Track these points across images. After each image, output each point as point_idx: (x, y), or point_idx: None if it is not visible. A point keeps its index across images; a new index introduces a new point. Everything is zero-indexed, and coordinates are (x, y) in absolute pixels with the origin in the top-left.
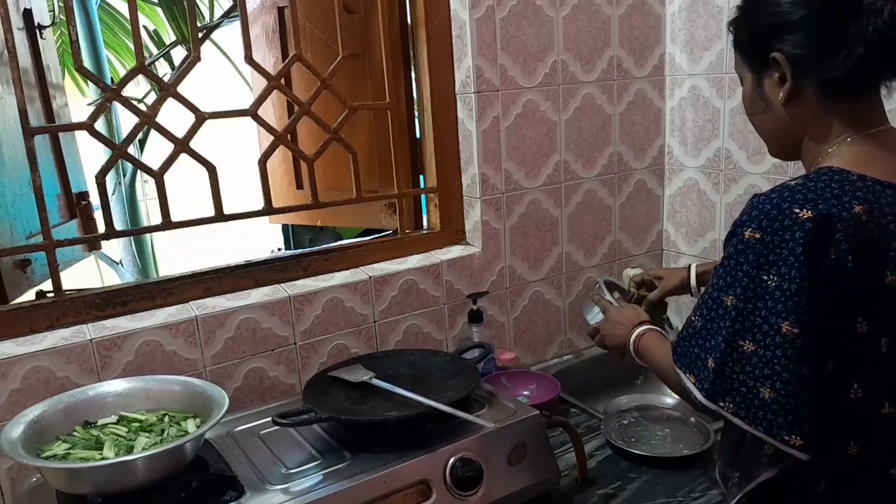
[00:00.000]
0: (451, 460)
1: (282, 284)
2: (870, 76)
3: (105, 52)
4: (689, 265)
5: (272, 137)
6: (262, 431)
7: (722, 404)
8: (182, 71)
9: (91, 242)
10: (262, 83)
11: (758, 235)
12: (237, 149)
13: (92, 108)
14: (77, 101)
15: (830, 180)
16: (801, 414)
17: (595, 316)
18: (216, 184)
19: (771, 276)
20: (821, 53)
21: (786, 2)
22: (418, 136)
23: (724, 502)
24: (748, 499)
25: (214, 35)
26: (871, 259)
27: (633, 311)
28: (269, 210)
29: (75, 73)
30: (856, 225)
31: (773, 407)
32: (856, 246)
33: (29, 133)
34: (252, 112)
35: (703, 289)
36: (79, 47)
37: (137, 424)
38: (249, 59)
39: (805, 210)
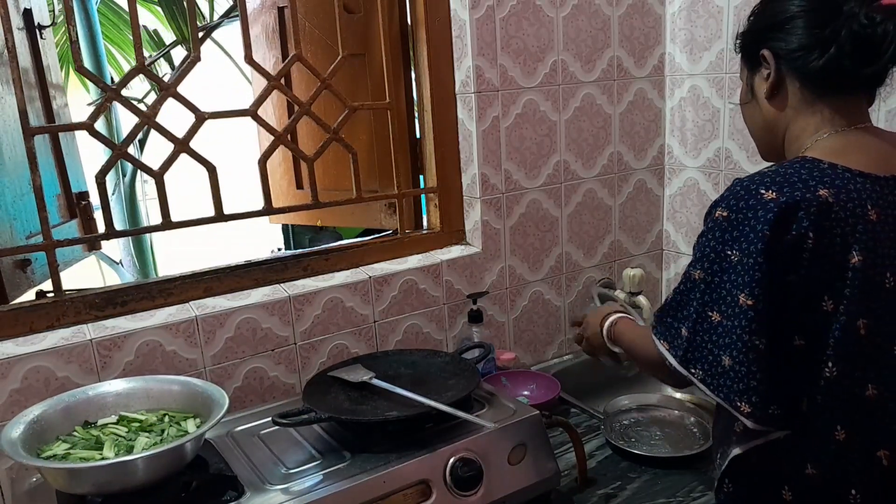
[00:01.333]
0: (451, 460)
1: (282, 284)
2: (846, 76)
3: (106, 50)
4: None
5: (272, 137)
6: (262, 431)
7: (693, 371)
8: (182, 71)
9: (91, 242)
10: (262, 83)
11: (725, 214)
12: (237, 149)
13: (92, 108)
14: (81, 97)
15: (801, 167)
16: (750, 382)
17: None
18: (216, 184)
19: (734, 251)
20: (800, 49)
21: (779, 7)
22: (418, 136)
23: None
24: (733, 481)
25: (215, 34)
26: (835, 239)
27: (607, 307)
28: (269, 210)
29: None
30: (819, 206)
31: (730, 374)
32: (819, 226)
33: (29, 133)
34: (252, 112)
35: None
36: (79, 47)
37: (137, 424)
38: (249, 59)
39: (770, 192)
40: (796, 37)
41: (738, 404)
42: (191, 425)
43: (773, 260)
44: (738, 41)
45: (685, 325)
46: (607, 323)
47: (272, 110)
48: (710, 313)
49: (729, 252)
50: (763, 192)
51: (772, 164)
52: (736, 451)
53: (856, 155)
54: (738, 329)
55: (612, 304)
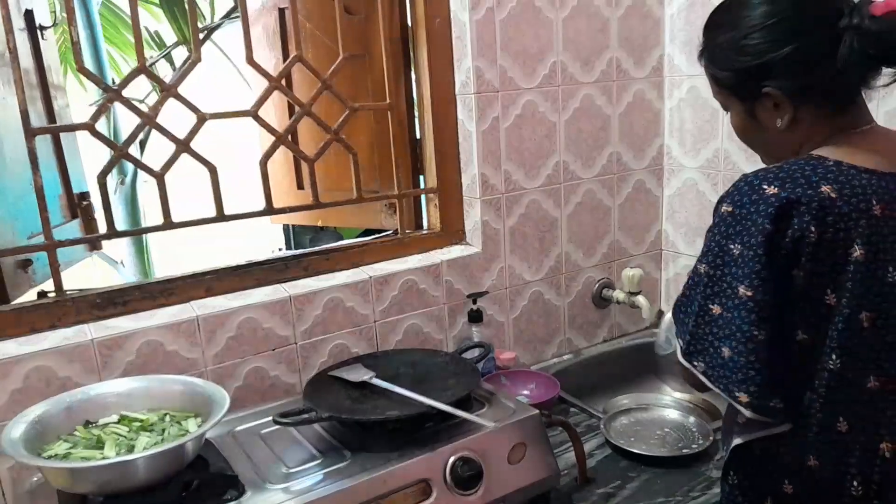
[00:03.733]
0: (451, 460)
1: (283, 284)
2: (857, 88)
3: (107, 51)
4: None
5: (273, 138)
6: (263, 431)
7: (695, 363)
8: (183, 72)
9: (92, 242)
10: (262, 84)
11: (730, 209)
12: (238, 149)
13: (93, 109)
14: (81, 97)
15: (806, 164)
16: (749, 372)
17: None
18: (217, 184)
19: (736, 245)
20: (816, 83)
21: (764, 42)
22: (418, 136)
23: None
24: (737, 472)
25: (215, 35)
26: (838, 234)
27: None
28: (269, 210)
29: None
30: (821, 202)
31: (729, 364)
32: (821, 221)
33: (30, 133)
34: (253, 113)
35: None
36: (80, 48)
37: (138, 424)
38: (250, 59)
39: (773, 187)
40: (803, 71)
41: (737, 394)
42: (192, 425)
43: (773, 254)
44: (711, 70)
45: (692, 319)
46: None
47: (273, 111)
48: (712, 306)
49: (731, 246)
50: (766, 187)
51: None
52: (737, 440)
53: (863, 154)
54: (737, 320)
55: None
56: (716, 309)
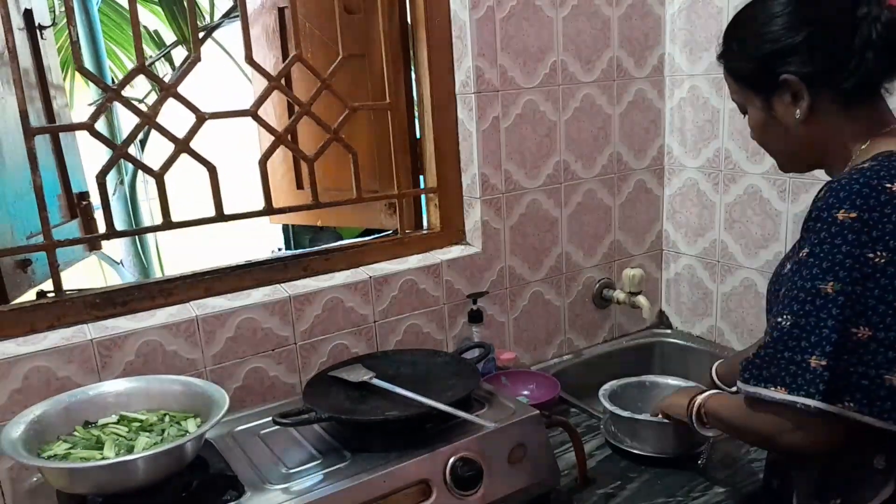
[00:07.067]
0: (451, 460)
1: (282, 284)
2: (875, 79)
3: (107, 50)
4: (711, 367)
5: (273, 138)
6: (263, 431)
7: (847, 403)
8: (182, 71)
9: (92, 242)
10: (262, 83)
11: (853, 215)
12: (238, 149)
13: (92, 109)
14: (82, 93)
15: (892, 159)
16: None
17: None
18: (217, 184)
19: (878, 253)
20: (832, 67)
21: (781, 28)
22: (418, 136)
23: None
24: None
25: (215, 34)
26: None
27: (693, 388)
28: (269, 210)
29: None
30: None
31: None
32: None
33: (29, 133)
34: (252, 112)
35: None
36: (79, 47)
37: (138, 424)
38: (250, 59)
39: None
40: (822, 55)
41: None
42: (191, 425)
43: None
44: (729, 66)
45: (817, 352)
46: (697, 402)
47: (272, 111)
48: (856, 330)
49: (871, 255)
50: (889, 185)
51: (861, 163)
52: (888, 491)
53: None
54: None
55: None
56: (864, 332)
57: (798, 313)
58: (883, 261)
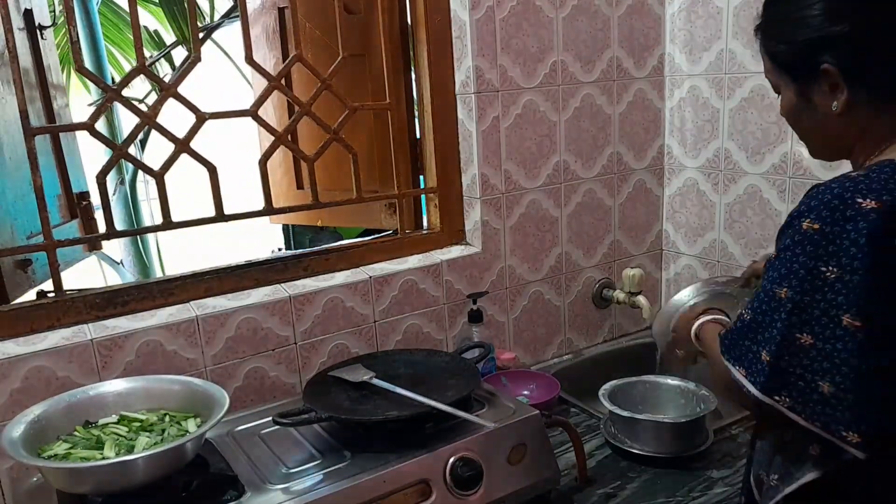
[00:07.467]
0: (451, 460)
1: (282, 284)
2: None
3: (107, 51)
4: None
5: (273, 138)
6: (263, 431)
7: (778, 398)
8: (182, 71)
9: (92, 242)
10: (262, 83)
11: (816, 226)
12: (238, 149)
13: (92, 109)
14: (81, 96)
15: (893, 172)
16: (860, 410)
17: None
18: (217, 184)
19: (830, 268)
20: (875, 62)
21: (823, 15)
22: (418, 136)
23: None
24: (788, 502)
25: (215, 35)
26: None
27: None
28: (269, 210)
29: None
30: None
31: (831, 401)
32: None
33: (30, 133)
34: (252, 112)
35: None
36: (79, 48)
37: (138, 424)
38: (250, 59)
39: (868, 200)
40: (865, 49)
41: (844, 434)
42: (191, 425)
43: (882, 275)
44: (767, 44)
45: (766, 348)
46: (696, 324)
47: (272, 111)
48: (800, 336)
49: (824, 269)
50: (860, 200)
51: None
52: (812, 475)
53: None
54: (842, 352)
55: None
56: (806, 339)
57: (757, 310)
58: (833, 276)
